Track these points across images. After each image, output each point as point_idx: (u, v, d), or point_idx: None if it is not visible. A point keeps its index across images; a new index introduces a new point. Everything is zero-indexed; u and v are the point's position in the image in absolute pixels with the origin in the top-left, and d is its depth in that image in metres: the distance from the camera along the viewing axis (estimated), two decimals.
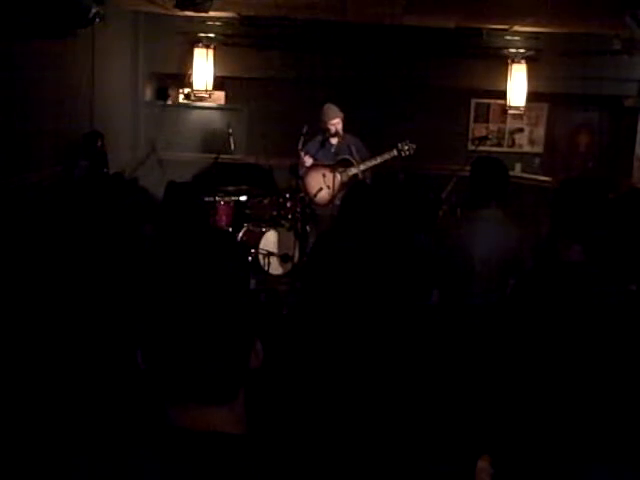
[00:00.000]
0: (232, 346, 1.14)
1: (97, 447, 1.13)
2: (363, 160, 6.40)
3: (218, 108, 8.20)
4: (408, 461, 3.30)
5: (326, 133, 6.45)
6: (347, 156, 6.43)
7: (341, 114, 6.39)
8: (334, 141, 6.47)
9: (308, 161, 6.43)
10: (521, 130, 8.25)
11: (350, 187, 4.48)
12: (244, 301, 1.16)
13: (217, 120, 8.09)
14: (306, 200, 6.60)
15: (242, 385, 1.16)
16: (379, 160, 6.42)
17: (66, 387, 2.22)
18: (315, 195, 6.38)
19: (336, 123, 6.39)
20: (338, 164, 6.42)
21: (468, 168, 4.00)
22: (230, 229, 6.69)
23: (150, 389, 1.14)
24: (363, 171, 6.40)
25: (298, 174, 6.53)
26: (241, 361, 1.15)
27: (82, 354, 2.25)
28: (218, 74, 7.85)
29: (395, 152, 6.41)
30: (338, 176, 6.35)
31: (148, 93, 8.18)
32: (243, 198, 6.97)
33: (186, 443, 1.09)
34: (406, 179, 7.07)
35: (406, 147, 6.41)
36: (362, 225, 3.95)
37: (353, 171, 6.40)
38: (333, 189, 6.29)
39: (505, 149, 8.12)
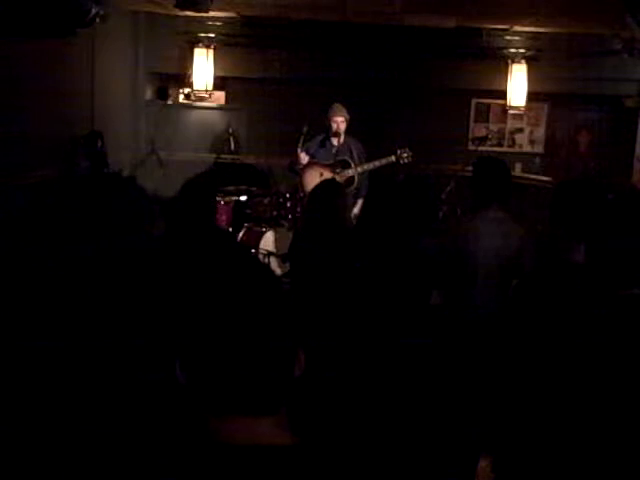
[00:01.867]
0: (277, 356, 1.12)
1: (144, 463, 1.10)
2: (361, 164, 6.42)
3: (218, 108, 8.20)
4: (409, 461, 3.30)
5: (328, 132, 6.47)
6: (346, 157, 6.45)
7: (346, 115, 6.41)
8: (335, 141, 6.48)
9: (304, 158, 6.45)
10: (521, 130, 8.25)
11: (316, 185, 4.47)
12: (287, 311, 1.15)
13: (217, 120, 8.08)
14: (304, 199, 6.62)
15: (287, 395, 1.14)
16: (376, 165, 6.44)
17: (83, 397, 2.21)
18: None
19: (339, 121, 6.40)
20: (335, 164, 6.45)
21: (468, 168, 4.00)
22: (230, 229, 6.68)
23: (190, 402, 1.11)
24: (360, 174, 6.42)
25: (295, 170, 6.56)
26: (286, 371, 1.13)
27: (84, 358, 2.24)
28: (218, 74, 7.84)
29: (393, 158, 6.43)
30: (335, 176, 6.36)
31: (148, 93, 8.17)
32: (243, 198, 6.97)
33: (235, 459, 1.06)
34: (406, 179, 7.07)
35: (405, 154, 6.42)
36: (328, 224, 3.94)
37: (350, 173, 6.41)
38: None
39: (505, 149, 8.11)
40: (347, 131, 6.48)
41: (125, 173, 6.79)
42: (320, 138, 6.53)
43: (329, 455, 1.12)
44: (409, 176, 7.07)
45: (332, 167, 6.42)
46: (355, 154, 6.40)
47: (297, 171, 6.52)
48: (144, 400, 2.15)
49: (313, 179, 6.50)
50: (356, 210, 6.49)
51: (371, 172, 6.55)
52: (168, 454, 1.11)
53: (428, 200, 6.68)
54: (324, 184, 4.41)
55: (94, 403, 2.19)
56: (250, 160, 7.90)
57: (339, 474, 1.11)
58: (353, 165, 6.40)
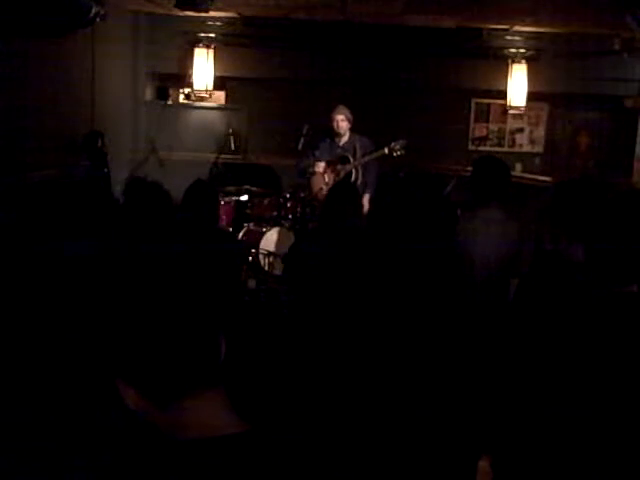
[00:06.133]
0: (203, 343, 1.17)
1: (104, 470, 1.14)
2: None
3: (218, 108, 8.20)
4: (407, 460, 3.30)
5: (331, 132, 6.53)
6: (346, 154, 6.49)
7: (348, 114, 6.46)
8: (340, 141, 6.54)
9: (320, 165, 6.52)
10: (521, 130, 8.25)
11: (331, 188, 4.50)
12: (210, 303, 1.19)
13: (217, 120, 8.09)
14: (306, 199, 6.66)
15: (218, 372, 1.18)
16: (373, 157, 6.46)
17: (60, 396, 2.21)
18: (317, 194, 6.45)
19: (339, 119, 6.45)
20: (335, 161, 6.50)
21: (468, 168, 4.00)
22: (230, 229, 6.69)
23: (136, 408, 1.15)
24: (357, 168, 6.45)
25: (304, 175, 6.61)
26: (216, 348, 1.19)
27: (84, 364, 2.24)
28: (218, 74, 7.85)
29: (386, 151, 6.45)
30: (336, 174, 6.43)
31: (148, 93, 8.17)
32: (244, 198, 6.97)
33: (191, 455, 1.09)
34: (406, 178, 7.09)
35: (397, 147, 6.44)
36: (342, 225, 3.94)
37: (348, 168, 6.46)
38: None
39: (505, 149, 8.11)
40: (354, 130, 6.53)
41: (125, 173, 6.80)
42: (326, 139, 6.59)
43: (285, 442, 1.15)
44: (409, 175, 7.08)
45: (333, 164, 6.49)
46: (359, 152, 6.45)
47: (309, 174, 6.57)
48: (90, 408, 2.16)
49: (318, 178, 6.57)
50: (365, 202, 6.51)
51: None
52: (123, 459, 1.15)
53: (446, 202, 6.68)
54: (339, 186, 4.44)
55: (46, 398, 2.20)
56: (250, 160, 7.91)
57: (301, 463, 1.14)
58: (352, 160, 6.46)
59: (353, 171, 6.46)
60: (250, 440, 1.12)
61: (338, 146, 6.55)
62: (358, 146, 6.46)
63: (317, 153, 6.58)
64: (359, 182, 6.40)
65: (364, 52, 7.61)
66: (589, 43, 7.29)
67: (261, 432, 1.15)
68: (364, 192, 6.56)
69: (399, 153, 6.46)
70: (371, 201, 6.57)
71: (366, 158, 6.46)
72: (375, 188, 6.63)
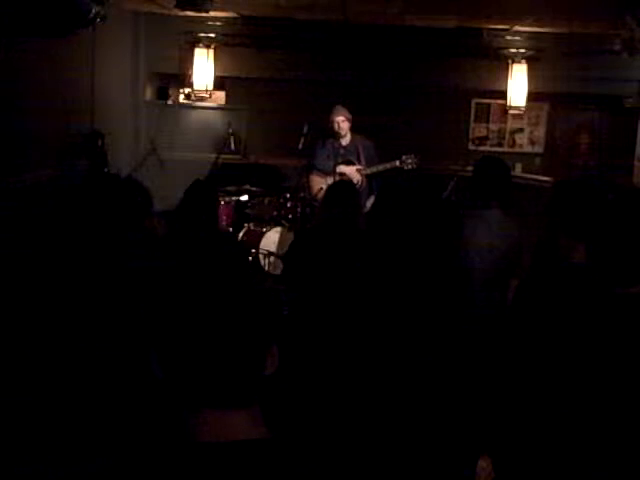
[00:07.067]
0: (249, 351, 1.14)
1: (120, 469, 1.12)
2: (368, 164, 6.43)
3: (218, 108, 8.21)
4: (409, 461, 3.30)
5: (333, 134, 6.51)
6: (351, 157, 6.47)
7: (347, 114, 6.44)
8: (342, 142, 6.52)
9: (329, 180, 6.53)
10: (521, 130, 8.25)
11: (329, 186, 4.48)
12: (260, 305, 1.16)
13: (217, 120, 8.09)
14: (307, 199, 6.65)
15: (259, 389, 1.16)
16: (380, 168, 6.45)
17: (72, 397, 2.20)
18: (317, 194, 6.43)
19: (339, 121, 6.42)
20: (339, 165, 6.47)
21: (469, 168, 3.99)
22: (231, 229, 6.69)
23: (167, 398, 1.13)
24: (363, 175, 6.43)
25: (312, 169, 6.62)
26: (258, 364, 1.16)
27: (87, 361, 2.24)
28: (218, 74, 7.85)
29: (397, 163, 6.44)
30: (338, 177, 6.39)
31: (148, 93, 8.18)
32: (244, 198, 6.97)
33: (212, 457, 1.08)
34: (406, 178, 7.09)
35: (409, 160, 6.43)
36: (341, 224, 3.94)
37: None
38: None
39: (505, 149, 8.11)
40: (353, 130, 6.52)
41: (125, 173, 6.80)
42: (329, 139, 6.57)
43: (304, 449, 1.14)
44: (409, 175, 7.08)
45: (335, 167, 6.48)
46: (363, 154, 6.42)
47: (318, 170, 6.55)
48: (122, 397, 2.15)
49: (318, 180, 6.55)
50: (368, 204, 6.49)
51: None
52: (146, 454, 1.13)
53: (443, 201, 6.68)
54: (338, 185, 4.43)
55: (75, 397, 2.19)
56: (250, 160, 7.90)
57: (315, 468, 1.13)
58: (356, 163, 6.44)
59: (355, 178, 6.44)
60: (267, 446, 1.11)
61: (341, 146, 6.54)
62: (361, 149, 6.44)
63: (324, 152, 6.56)
64: (362, 187, 6.39)
65: (364, 52, 7.60)
66: (589, 43, 7.29)
67: (278, 438, 1.13)
68: (369, 195, 6.56)
69: (410, 167, 6.45)
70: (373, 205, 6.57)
71: (375, 169, 6.43)
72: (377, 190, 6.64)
